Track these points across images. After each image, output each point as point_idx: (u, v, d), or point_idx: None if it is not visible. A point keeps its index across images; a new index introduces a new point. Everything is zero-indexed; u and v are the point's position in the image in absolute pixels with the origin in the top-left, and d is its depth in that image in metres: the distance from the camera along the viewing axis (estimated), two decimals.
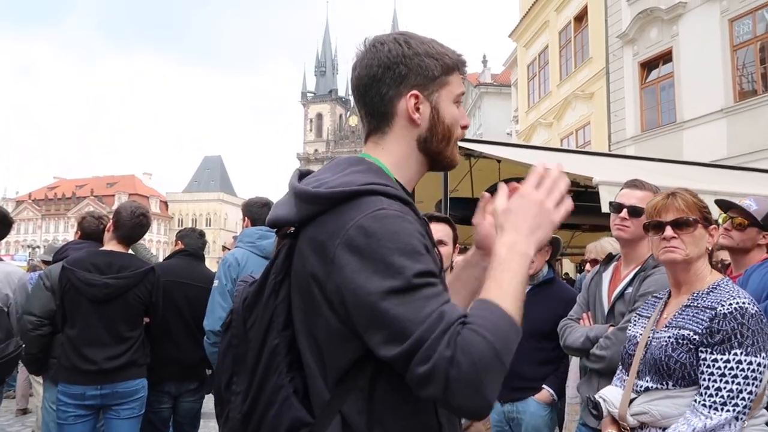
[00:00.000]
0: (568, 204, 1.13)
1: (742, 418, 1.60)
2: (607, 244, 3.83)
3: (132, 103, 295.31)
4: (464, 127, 1.23)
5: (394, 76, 1.15)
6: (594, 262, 3.73)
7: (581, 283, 3.47)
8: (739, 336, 1.61)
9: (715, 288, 1.74)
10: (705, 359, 1.66)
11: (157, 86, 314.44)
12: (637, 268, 2.46)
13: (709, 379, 1.63)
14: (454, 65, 1.20)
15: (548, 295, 3.29)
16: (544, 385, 3.17)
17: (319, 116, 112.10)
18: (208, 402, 5.16)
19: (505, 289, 1.02)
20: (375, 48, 1.17)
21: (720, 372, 1.62)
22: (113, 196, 78.96)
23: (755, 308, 1.64)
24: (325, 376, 1.07)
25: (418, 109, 1.16)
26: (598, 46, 16.80)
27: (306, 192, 1.09)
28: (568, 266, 14.40)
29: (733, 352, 1.61)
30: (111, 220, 3.40)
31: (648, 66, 14.86)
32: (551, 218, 1.12)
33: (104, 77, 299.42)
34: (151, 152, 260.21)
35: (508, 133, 25.89)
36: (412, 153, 1.20)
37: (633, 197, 2.48)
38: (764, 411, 1.68)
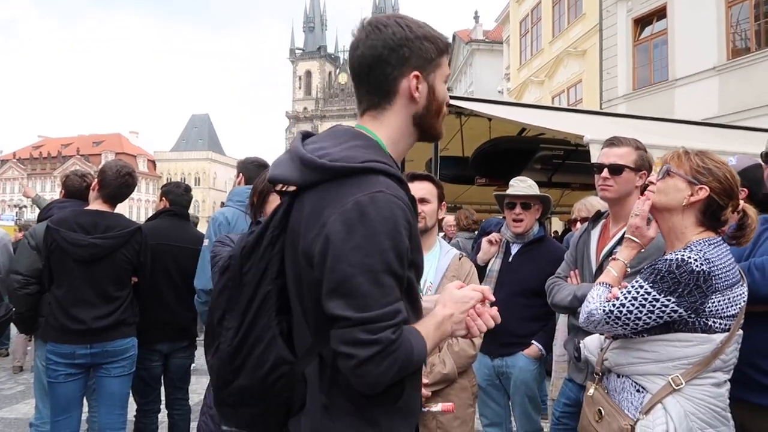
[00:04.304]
0: (470, 332, 1.33)
1: (612, 324, 1.75)
2: (595, 201, 3.83)
3: (117, 61, 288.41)
4: (447, 105, 1.39)
5: (398, 57, 1.27)
6: (584, 220, 3.73)
7: (569, 242, 3.48)
8: (655, 274, 1.70)
9: (688, 246, 1.76)
10: None
11: (143, 44, 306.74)
12: (626, 227, 2.46)
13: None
14: (444, 48, 1.33)
15: (538, 253, 3.30)
16: (533, 341, 3.22)
17: (308, 74, 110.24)
18: (200, 358, 5.22)
19: (428, 333, 1.25)
20: (378, 30, 1.28)
21: (624, 288, 1.78)
22: (99, 155, 77.79)
23: (702, 267, 1.66)
24: (308, 322, 1.24)
25: (417, 88, 1.29)
26: (591, 2, 16.48)
27: (312, 161, 1.20)
28: (557, 224, 14.50)
29: (640, 278, 1.74)
30: (96, 179, 3.34)
31: (642, 23, 14.64)
32: (462, 324, 1.32)
33: (88, 35, 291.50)
34: (138, 111, 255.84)
35: (499, 91, 25.62)
36: (407, 128, 1.33)
37: (612, 155, 2.48)
38: (715, 374, 1.71)
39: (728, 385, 1.77)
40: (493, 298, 1.35)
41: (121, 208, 3.49)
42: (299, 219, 1.24)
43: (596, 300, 1.83)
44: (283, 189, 1.31)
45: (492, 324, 1.33)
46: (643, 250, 1.98)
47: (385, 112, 1.31)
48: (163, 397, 3.85)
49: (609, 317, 1.75)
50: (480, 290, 1.33)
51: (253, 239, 1.29)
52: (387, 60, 1.27)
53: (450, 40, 1.37)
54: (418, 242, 1.27)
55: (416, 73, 1.29)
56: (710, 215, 1.81)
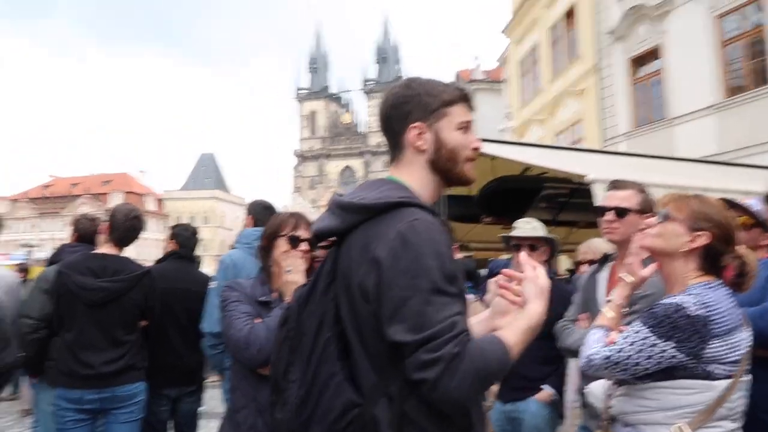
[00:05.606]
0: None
1: (611, 369, 1.72)
2: (600, 244, 3.84)
3: (125, 101, 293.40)
4: (475, 149, 1.47)
5: (399, 114, 1.44)
6: (591, 262, 3.74)
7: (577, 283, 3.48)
8: (653, 318, 1.67)
9: (686, 289, 1.73)
10: None
11: (151, 84, 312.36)
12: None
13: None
14: (452, 99, 1.45)
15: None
16: (544, 385, 3.18)
17: (313, 113, 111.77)
18: (208, 401, 5.17)
19: (516, 331, 1.28)
20: (390, 94, 1.47)
21: (623, 332, 1.75)
22: (108, 194, 78.39)
23: (698, 311, 1.63)
24: (371, 361, 1.27)
25: (420, 137, 1.42)
26: (587, 43, 16.82)
27: (351, 203, 1.34)
28: (565, 263, 14.42)
29: (638, 323, 1.71)
30: (105, 223, 3.39)
31: (638, 62, 14.90)
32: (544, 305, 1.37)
33: (96, 75, 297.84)
34: (146, 150, 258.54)
35: (501, 130, 25.89)
36: (426, 174, 1.44)
37: (616, 198, 2.51)
38: (722, 423, 1.66)
39: None
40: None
41: (129, 247, 3.52)
42: (348, 260, 1.32)
43: (595, 345, 1.80)
44: (327, 242, 1.42)
45: None
46: (640, 291, 1.95)
47: (402, 162, 1.46)
48: None
49: (608, 362, 1.71)
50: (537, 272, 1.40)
51: (307, 289, 1.35)
52: (392, 117, 1.45)
53: (458, 86, 1.55)
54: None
55: (416, 125, 1.42)
56: (710, 260, 1.78)
